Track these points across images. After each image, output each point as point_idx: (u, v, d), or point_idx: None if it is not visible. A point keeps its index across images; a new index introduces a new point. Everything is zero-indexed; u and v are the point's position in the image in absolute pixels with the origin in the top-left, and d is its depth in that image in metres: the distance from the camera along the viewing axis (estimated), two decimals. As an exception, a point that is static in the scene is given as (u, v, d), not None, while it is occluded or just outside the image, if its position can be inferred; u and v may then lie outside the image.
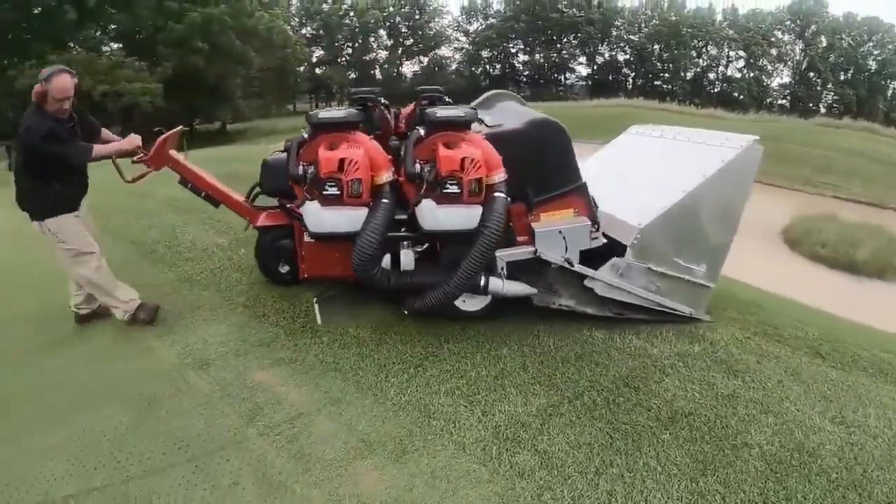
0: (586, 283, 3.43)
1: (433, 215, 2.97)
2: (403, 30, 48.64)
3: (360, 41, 47.33)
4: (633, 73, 50.45)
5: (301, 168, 2.96)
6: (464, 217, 2.95)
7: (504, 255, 3.28)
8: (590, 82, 50.03)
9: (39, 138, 2.95)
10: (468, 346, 3.26)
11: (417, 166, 2.94)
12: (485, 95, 4.29)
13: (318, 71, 46.10)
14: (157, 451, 2.43)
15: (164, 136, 3.53)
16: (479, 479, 2.27)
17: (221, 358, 3.14)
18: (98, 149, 3.16)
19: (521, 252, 3.32)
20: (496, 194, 2.93)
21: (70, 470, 2.33)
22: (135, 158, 3.46)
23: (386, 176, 3.01)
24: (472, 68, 50.34)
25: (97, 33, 25.75)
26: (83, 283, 3.39)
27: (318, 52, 46.48)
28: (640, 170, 4.04)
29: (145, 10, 24.45)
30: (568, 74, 52.27)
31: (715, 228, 3.49)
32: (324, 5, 44.80)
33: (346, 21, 45.83)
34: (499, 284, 3.24)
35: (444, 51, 51.02)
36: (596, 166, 4.30)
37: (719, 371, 3.11)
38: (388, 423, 2.60)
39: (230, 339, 3.33)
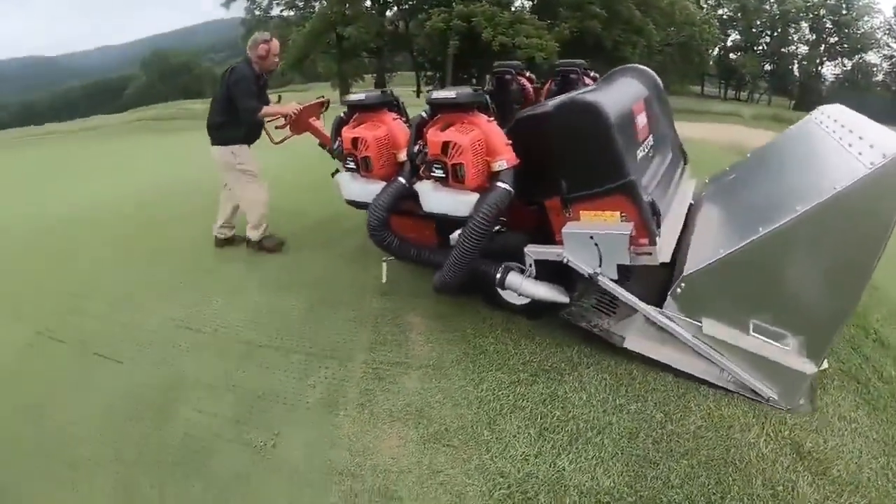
0: (614, 326, 2.85)
1: (428, 197, 2.95)
2: (828, 25, 40.95)
3: (778, 30, 41.56)
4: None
5: (417, 147, 2.96)
6: (453, 202, 2.85)
7: (532, 252, 2.98)
8: None
9: (235, 81, 3.78)
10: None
11: (416, 147, 2.93)
12: (614, 70, 4.06)
13: (731, 56, 42.68)
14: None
15: (304, 105, 3.98)
16: None
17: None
18: (264, 109, 3.91)
19: (548, 252, 2.91)
20: (497, 183, 2.73)
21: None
22: (279, 124, 4.06)
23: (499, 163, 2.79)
24: (902, 82, 40.77)
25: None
26: (247, 203, 4.16)
27: (734, 36, 42.82)
28: (769, 177, 3.13)
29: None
30: None
31: (823, 286, 2.35)
32: (742, -14, 40.32)
33: (766, 6, 40.85)
34: (517, 282, 2.95)
35: (872, 56, 42.23)
36: (741, 165, 3.74)
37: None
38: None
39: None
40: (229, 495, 2.05)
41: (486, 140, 2.77)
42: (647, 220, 2.62)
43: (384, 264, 3.55)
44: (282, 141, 4.19)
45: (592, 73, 4.57)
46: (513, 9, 27.32)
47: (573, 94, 3.20)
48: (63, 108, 63.98)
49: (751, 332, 2.51)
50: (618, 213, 2.68)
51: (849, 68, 42.63)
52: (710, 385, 2.58)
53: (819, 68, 42.66)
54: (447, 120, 2.88)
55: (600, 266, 2.69)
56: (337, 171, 3.53)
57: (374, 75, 32.21)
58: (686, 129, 4.89)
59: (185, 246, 4.60)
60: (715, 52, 38.53)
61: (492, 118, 2.88)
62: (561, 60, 3.88)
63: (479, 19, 24.64)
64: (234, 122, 3.88)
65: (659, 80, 3.97)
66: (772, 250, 2.38)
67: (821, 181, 2.35)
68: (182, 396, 2.61)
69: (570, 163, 2.74)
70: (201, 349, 3.01)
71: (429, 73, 32.58)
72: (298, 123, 3.99)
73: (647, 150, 3.27)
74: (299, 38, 26.44)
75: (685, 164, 4.08)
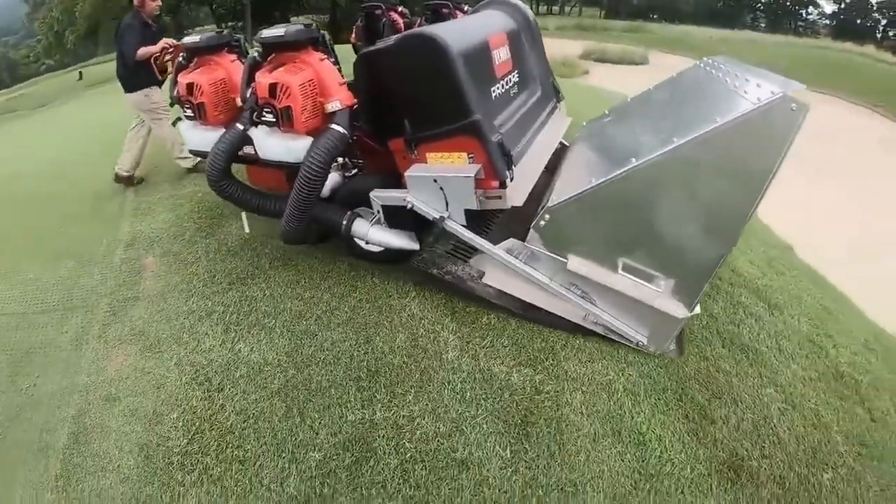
0: (472, 261, 2.85)
1: (261, 144, 2.83)
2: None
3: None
4: (886, 21, 39.25)
5: (249, 91, 2.82)
6: (285, 148, 2.73)
7: (377, 197, 2.87)
8: (834, 22, 42.22)
9: (118, 33, 4.32)
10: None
11: (249, 91, 2.79)
12: (484, 2, 3.82)
13: None
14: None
15: (176, 43, 4.20)
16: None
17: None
18: (138, 52, 4.22)
19: (393, 197, 2.80)
20: (331, 126, 2.63)
21: None
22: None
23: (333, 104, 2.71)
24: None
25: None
26: (166, 137, 4.64)
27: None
28: (649, 117, 2.97)
29: None
30: (811, 9, 44.00)
31: (699, 226, 2.24)
32: None
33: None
34: (363, 229, 2.92)
35: None
36: (620, 108, 3.51)
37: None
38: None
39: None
40: (7, 433, 2.60)
41: (318, 80, 2.65)
42: (495, 162, 2.49)
43: (243, 214, 3.64)
44: (166, 75, 4.43)
45: (466, 7, 4.33)
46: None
47: (418, 28, 3.04)
48: None
49: (619, 271, 2.43)
50: (465, 155, 2.55)
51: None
52: (580, 329, 2.68)
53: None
54: (279, 60, 2.75)
55: (447, 210, 2.64)
56: (179, 118, 3.34)
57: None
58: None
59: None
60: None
61: (326, 56, 2.78)
62: None
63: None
64: (133, 70, 4.32)
65: (531, 14, 3.75)
66: (644, 184, 2.22)
67: (702, 116, 2.19)
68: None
69: (411, 101, 2.60)
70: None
71: (230, 25, 29.23)
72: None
73: (507, 87, 3.10)
74: (87, 6, 22.41)
75: (558, 101, 3.91)
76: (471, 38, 2.78)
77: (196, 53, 3.21)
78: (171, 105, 3.51)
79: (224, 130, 2.94)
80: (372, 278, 3.20)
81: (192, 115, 3.12)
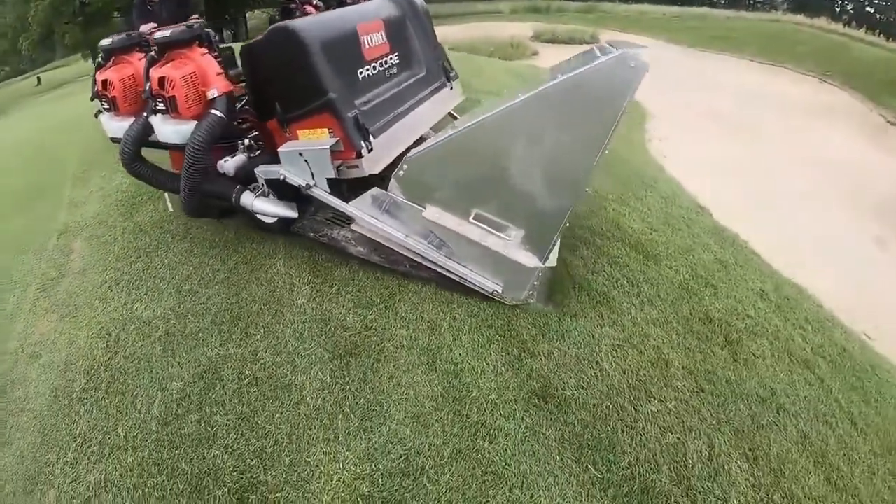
0: (353, 225, 3.21)
1: (159, 130, 3.21)
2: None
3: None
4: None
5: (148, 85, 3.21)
6: (175, 131, 3.12)
7: (260, 172, 3.27)
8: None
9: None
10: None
11: (147, 85, 3.14)
12: None
13: None
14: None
15: None
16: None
17: None
18: None
19: (271, 171, 3.22)
20: (211, 111, 3.03)
21: None
22: None
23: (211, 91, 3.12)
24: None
25: None
26: None
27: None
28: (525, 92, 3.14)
29: None
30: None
31: (544, 182, 2.40)
32: None
33: None
34: (248, 201, 3.33)
35: None
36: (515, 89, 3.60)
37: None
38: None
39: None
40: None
41: (199, 72, 3.04)
42: (350, 136, 2.85)
43: (166, 195, 4.15)
44: None
45: (316, 2, 4.46)
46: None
47: (283, 22, 3.26)
48: None
49: (471, 220, 2.64)
50: (326, 130, 2.93)
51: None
52: (442, 279, 2.99)
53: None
54: (169, 57, 3.14)
55: (313, 179, 3.07)
56: (99, 111, 3.65)
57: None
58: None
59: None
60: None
61: (209, 51, 3.18)
62: None
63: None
64: None
65: (419, 2, 4.03)
66: (491, 136, 2.42)
67: (557, 77, 2.37)
68: None
69: (279, 86, 3.02)
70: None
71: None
72: None
73: (381, 69, 3.43)
74: (40, 13, 21.58)
75: (448, 80, 4.17)
76: (335, 27, 3.15)
77: (111, 53, 3.56)
78: (91, 100, 3.80)
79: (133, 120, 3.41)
80: (251, 244, 3.72)
81: (108, 107, 3.50)
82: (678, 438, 2.56)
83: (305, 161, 2.99)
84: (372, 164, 2.94)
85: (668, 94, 10.02)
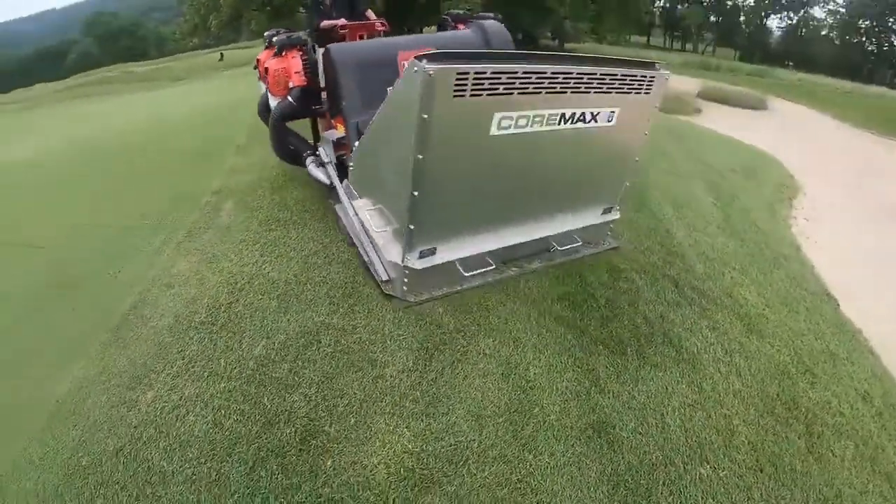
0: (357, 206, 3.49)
1: (270, 102, 4.35)
2: (774, -23, 41.84)
3: (725, -19, 41.64)
4: None
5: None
6: (273, 102, 4.26)
7: (322, 147, 4.12)
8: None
9: None
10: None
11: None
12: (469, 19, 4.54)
13: (679, 7, 44.39)
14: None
15: None
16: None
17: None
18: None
19: (327, 147, 4.06)
20: (286, 97, 4.05)
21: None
22: None
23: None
24: (847, 37, 42.94)
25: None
26: None
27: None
28: None
29: None
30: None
31: (394, 180, 2.52)
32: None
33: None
34: (308, 164, 4.15)
35: (817, 11, 45.75)
36: None
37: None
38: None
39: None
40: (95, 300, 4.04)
41: (286, 68, 4.03)
42: (350, 136, 3.58)
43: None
44: None
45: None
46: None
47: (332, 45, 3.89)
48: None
49: (371, 209, 2.94)
50: (342, 127, 3.75)
51: (794, 21, 44.00)
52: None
53: (764, 21, 43.50)
54: (280, 54, 4.11)
55: (327, 158, 4.01)
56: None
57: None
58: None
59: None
60: (661, 3, 38.49)
61: (301, 54, 3.99)
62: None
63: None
64: None
65: (502, 32, 4.16)
66: (371, 140, 2.80)
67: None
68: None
69: (326, 89, 3.91)
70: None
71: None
72: None
73: None
74: None
75: None
76: (373, 52, 3.84)
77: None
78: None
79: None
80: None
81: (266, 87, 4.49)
82: (717, 508, 2.58)
83: (328, 143, 3.97)
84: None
85: (823, 171, 9.70)
